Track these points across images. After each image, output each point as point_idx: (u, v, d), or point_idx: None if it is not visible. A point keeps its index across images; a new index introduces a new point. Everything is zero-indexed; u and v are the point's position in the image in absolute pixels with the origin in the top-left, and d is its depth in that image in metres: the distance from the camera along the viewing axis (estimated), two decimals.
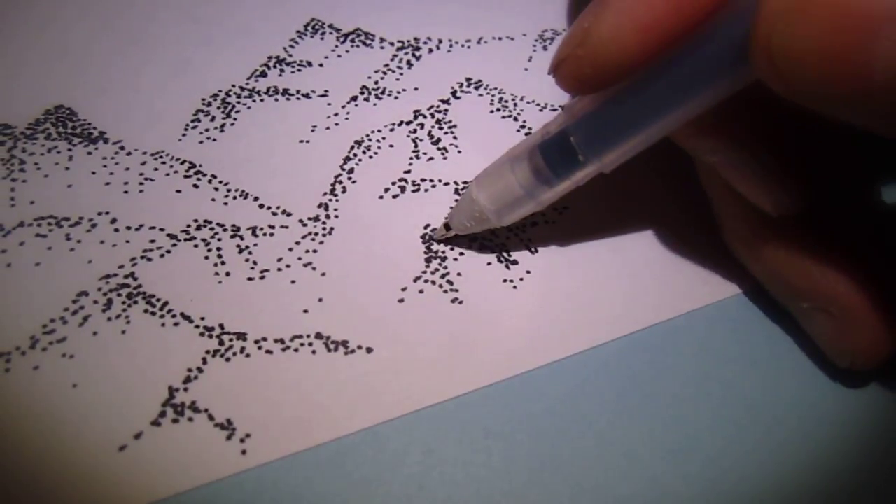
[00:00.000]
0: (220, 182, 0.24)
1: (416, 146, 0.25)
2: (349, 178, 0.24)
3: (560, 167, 0.19)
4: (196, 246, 0.22)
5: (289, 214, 0.23)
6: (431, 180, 0.24)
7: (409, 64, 0.28)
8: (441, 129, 0.26)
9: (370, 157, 0.25)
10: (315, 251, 0.22)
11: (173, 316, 0.20)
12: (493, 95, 0.27)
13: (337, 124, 0.26)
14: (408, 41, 0.29)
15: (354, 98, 0.27)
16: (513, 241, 0.23)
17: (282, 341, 0.20)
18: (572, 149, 0.19)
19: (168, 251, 0.22)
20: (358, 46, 0.28)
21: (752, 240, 0.20)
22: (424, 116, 0.26)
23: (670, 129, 0.18)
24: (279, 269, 0.22)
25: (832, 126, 0.18)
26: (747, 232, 0.21)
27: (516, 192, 0.20)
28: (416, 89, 0.27)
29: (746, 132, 0.19)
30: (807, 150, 0.19)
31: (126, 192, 0.23)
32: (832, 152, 0.19)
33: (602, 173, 0.19)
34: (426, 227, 0.23)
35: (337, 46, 0.28)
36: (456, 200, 0.23)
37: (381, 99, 0.27)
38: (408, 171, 0.24)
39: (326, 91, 0.27)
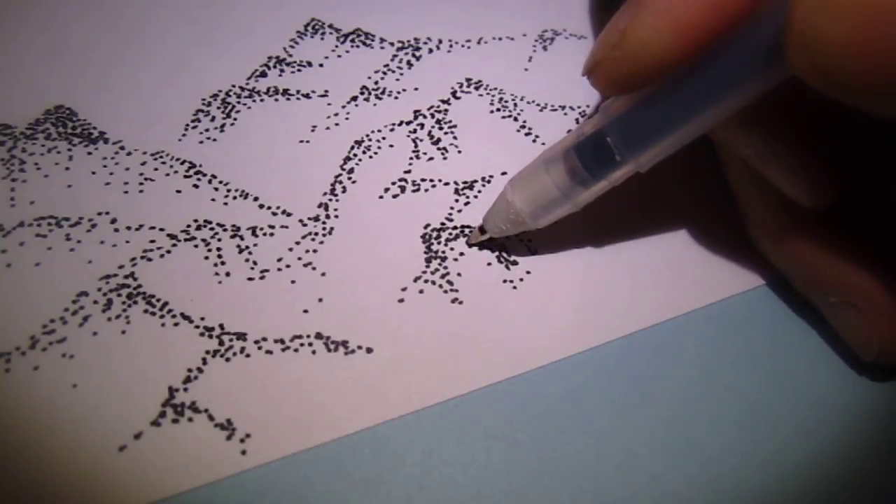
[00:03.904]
0: (220, 182, 0.24)
1: (416, 146, 0.25)
2: (349, 178, 0.24)
3: (596, 167, 0.19)
4: (196, 246, 0.22)
5: (289, 214, 0.23)
6: (431, 180, 0.24)
7: (409, 64, 0.28)
8: (441, 129, 0.26)
9: (370, 157, 0.25)
10: (315, 251, 0.22)
11: (173, 316, 0.20)
12: (493, 95, 0.27)
13: (337, 124, 0.26)
14: (408, 41, 0.29)
15: (354, 98, 0.27)
16: (513, 241, 0.23)
17: (282, 341, 0.20)
18: (609, 149, 0.19)
19: (168, 251, 0.22)
20: (358, 46, 0.28)
21: (780, 234, 0.21)
22: (424, 116, 0.26)
23: (707, 128, 0.18)
24: (279, 269, 0.21)
25: (864, 120, 0.17)
26: (775, 226, 0.21)
27: (552, 193, 0.20)
28: (416, 89, 0.27)
29: (784, 125, 0.19)
30: (843, 143, 0.19)
31: (126, 192, 0.23)
32: (864, 146, 0.19)
33: (638, 172, 0.19)
34: (426, 226, 0.23)
35: (337, 46, 0.28)
36: (456, 200, 0.23)
37: (381, 99, 0.27)
38: (408, 171, 0.24)
39: (326, 91, 0.27)
